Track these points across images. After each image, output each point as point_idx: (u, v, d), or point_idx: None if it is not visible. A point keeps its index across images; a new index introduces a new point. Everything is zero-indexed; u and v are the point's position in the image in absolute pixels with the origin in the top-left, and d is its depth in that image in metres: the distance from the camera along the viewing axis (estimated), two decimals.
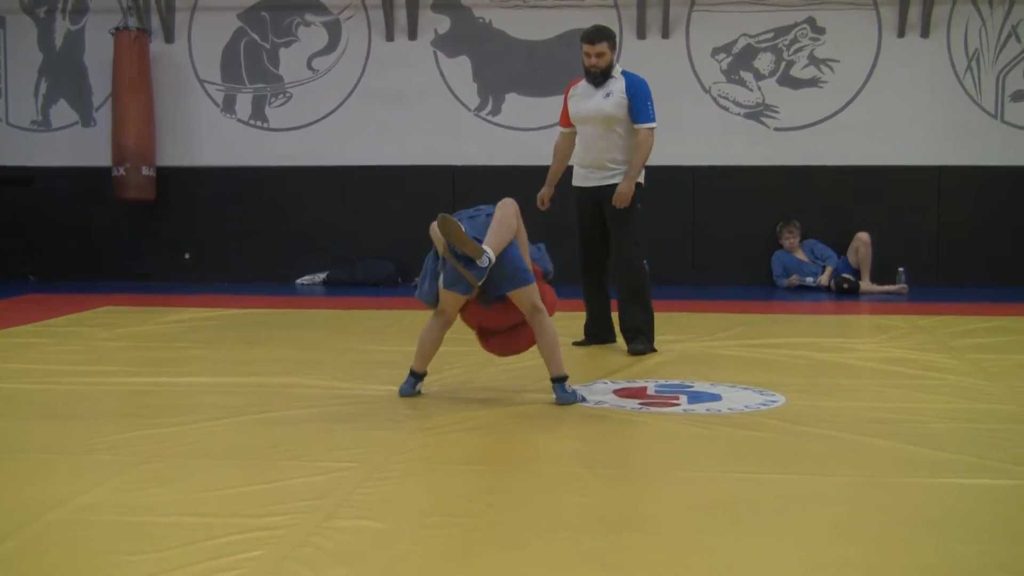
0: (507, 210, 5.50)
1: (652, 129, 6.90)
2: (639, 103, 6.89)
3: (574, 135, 7.20)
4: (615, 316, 7.22)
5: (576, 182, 7.22)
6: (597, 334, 7.33)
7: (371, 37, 12.11)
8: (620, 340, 7.22)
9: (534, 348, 5.67)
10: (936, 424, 5.01)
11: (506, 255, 5.43)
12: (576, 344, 7.23)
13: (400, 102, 11.99)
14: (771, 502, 3.80)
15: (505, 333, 5.71)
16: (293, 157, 12.15)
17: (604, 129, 6.95)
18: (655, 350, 7.00)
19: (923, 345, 7.35)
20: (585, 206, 7.15)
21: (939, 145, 11.58)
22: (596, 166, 7.03)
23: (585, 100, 7.02)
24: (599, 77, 6.93)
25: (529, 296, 5.48)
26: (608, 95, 6.92)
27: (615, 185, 6.93)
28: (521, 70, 11.96)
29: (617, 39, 7.01)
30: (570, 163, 7.36)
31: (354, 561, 3.19)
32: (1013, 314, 9.02)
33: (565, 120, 7.24)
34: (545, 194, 7.33)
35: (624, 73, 7.01)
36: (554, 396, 5.48)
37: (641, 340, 6.97)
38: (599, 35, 6.93)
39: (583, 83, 7.06)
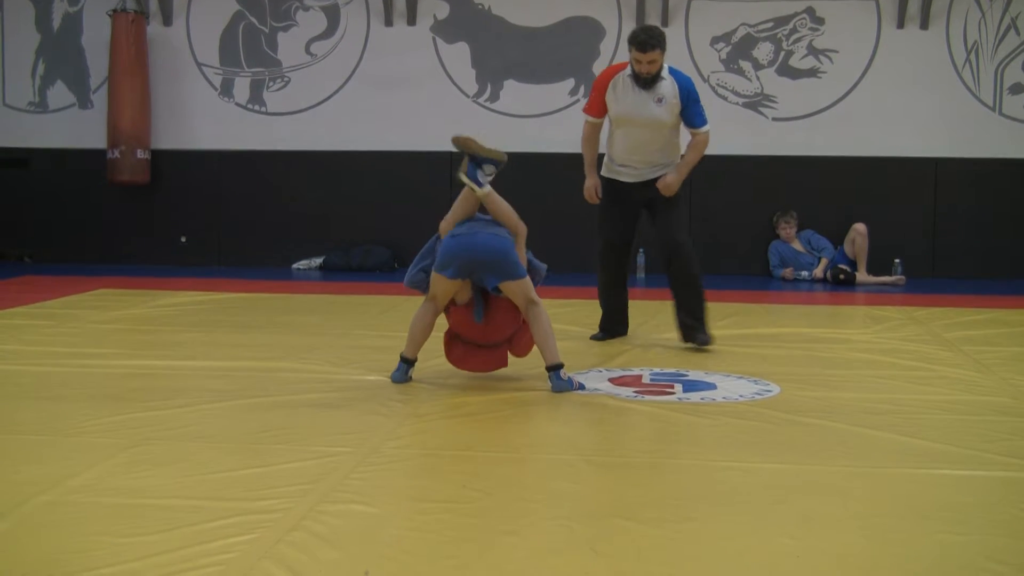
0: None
1: (709, 130, 6.78)
2: (693, 107, 6.69)
3: (602, 124, 6.97)
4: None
5: (612, 176, 6.96)
6: (615, 328, 7.22)
7: (370, 22, 12.09)
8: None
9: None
10: (930, 415, 5.01)
11: (495, 251, 5.45)
12: (594, 338, 7.14)
13: (398, 88, 11.97)
14: (764, 491, 3.80)
15: (477, 348, 5.67)
16: (290, 141, 12.14)
17: (654, 133, 6.74)
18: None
19: (917, 336, 7.36)
20: (625, 200, 6.93)
21: (937, 137, 11.59)
22: (644, 164, 6.82)
23: (633, 103, 6.70)
24: (650, 81, 6.63)
25: (523, 289, 5.49)
26: (660, 100, 6.65)
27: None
28: (520, 57, 11.94)
29: (666, 39, 6.67)
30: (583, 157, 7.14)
31: (346, 545, 3.19)
32: (1008, 306, 9.03)
33: (598, 110, 6.88)
34: (596, 183, 7.02)
35: (671, 72, 6.72)
36: (550, 384, 5.47)
37: (703, 331, 6.79)
38: (651, 43, 6.52)
39: (624, 78, 6.72)
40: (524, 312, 5.52)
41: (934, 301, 9.32)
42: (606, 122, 6.95)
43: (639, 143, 6.77)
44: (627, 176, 6.89)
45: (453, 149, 5.80)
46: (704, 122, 6.75)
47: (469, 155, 5.58)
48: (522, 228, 5.64)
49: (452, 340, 5.69)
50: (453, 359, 5.68)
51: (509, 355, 5.73)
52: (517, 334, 5.65)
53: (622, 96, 6.73)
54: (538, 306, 5.50)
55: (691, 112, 6.70)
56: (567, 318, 7.82)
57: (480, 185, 5.55)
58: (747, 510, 3.58)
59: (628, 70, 6.70)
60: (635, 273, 11.52)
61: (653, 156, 6.80)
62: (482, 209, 5.66)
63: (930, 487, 3.90)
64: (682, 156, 6.86)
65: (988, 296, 9.80)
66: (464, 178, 5.56)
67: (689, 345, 6.81)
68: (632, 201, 6.93)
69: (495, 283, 5.44)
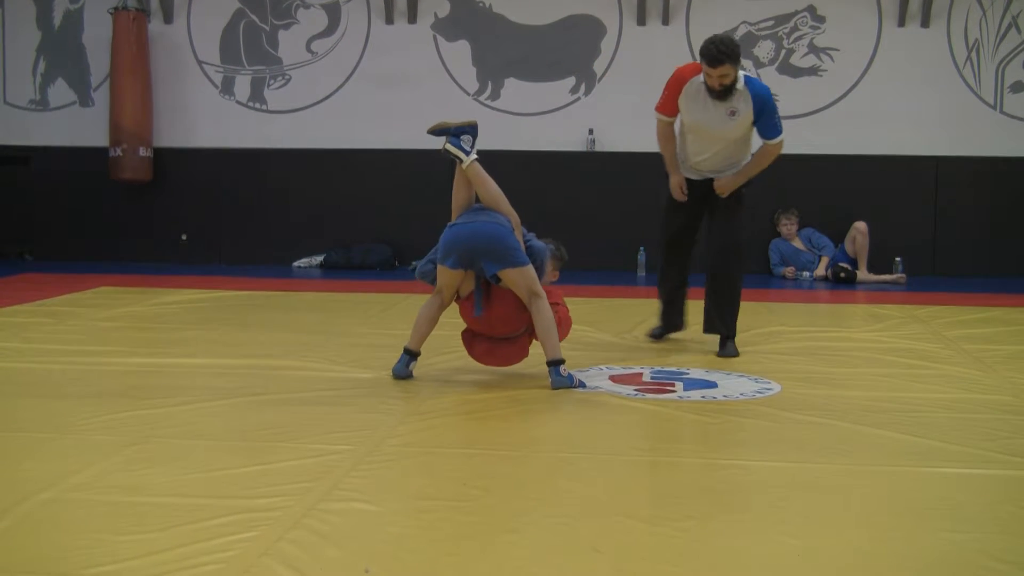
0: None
1: (782, 140, 6.51)
2: (768, 119, 6.42)
3: (675, 122, 6.71)
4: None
5: (683, 173, 6.75)
6: (674, 321, 7.05)
7: (371, 20, 12.08)
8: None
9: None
10: (930, 413, 5.01)
11: (493, 237, 5.46)
12: (653, 333, 7.02)
13: (399, 86, 11.97)
14: (765, 490, 3.80)
15: (498, 343, 5.67)
16: (291, 139, 12.14)
17: (726, 143, 6.53)
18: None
19: (918, 335, 7.35)
20: (690, 195, 6.69)
21: (938, 135, 11.58)
22: (712, 169, 6.63)
23: (705, 113, 6.44)
24: (723, 93, 6.34)
25: (524, 278, 5.46)
26: (734, 113, 6.38)
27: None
28: (521, 55, 11.93)
29: (739, 52, 6.33)
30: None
31: (347, 543, 3.19)
32: (1009, 305, 9.02)
33: (671, 110, 6.60)
34: (680, 180, 6.71)
35: (748, 82, 6.40)
36: (550, 380, 5.47)
37: (731, 338, 6.63)
38: (721, 58, 6.21)
39: (698, 85, 6.42)
40: (527, 304, 5.51)
41: (935, 299, 9.31)
42: (678, 119, 6.72)
43: (709, 150, 6.56)
44: (692, 173, 6.70)
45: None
46: (777, 133, 6.47)
47: (445, 132, 5.78)
48: (514, 216, 5.64)
49: (472, 338, 5.70)
50: (476, 355, 5.71)
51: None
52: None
53: (694, 104, 6.48)
54: (541, 299, 5.48)
55: (764, 123, 6.43)
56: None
57: (467, 153, 5.68)
58: (748, 508, 3.58)
59: (702, 76, 6.39)
60: (635, 271, 11.53)
61: (722, 163, 6.60)
62: (479, 200, 5.71)
63: (931, 485, 3.90)
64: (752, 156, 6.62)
65: (989, 294, 9.79)
66: (449, 147, 5.71)
67: (713, 344, 6.76)
68: (696, 197, 6.70)
69: (495, 270, 5.42)
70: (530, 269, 5.48)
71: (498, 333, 5.63)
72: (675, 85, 6.52)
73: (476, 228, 5.50)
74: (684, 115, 6.56)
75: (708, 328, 6.77)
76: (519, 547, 3.20)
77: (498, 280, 5.48)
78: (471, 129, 5.80)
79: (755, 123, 6.46)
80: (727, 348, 6.60)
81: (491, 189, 5.66)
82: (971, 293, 9.83)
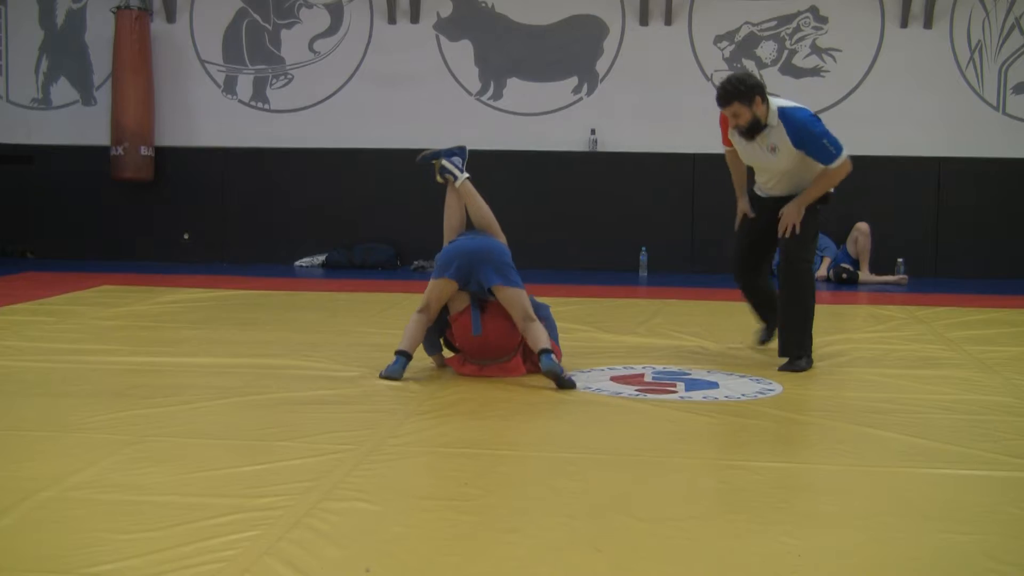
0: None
1: (844, 161, 5.93)
2: (814, 146, 5.89)
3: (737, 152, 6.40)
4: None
5: (754, 189, 6.46)
6: (768, 316, 6.63)
7: (373, 20, 12.09)
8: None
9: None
10: (932, 415, 5.01)
11: (494, 249, 5.63)
12: (762, 339, 6.70)
13: (401, 85, 11.97)
14: (766, 490, 3.79)
15: (487, 365, 5.72)
16: (293, 139, 12.14)
17: (782, 174, 6.14)
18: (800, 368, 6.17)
19: (920, 336, 7.35)
20: (759, 210, 6.38)
21: (940, 136, 11.58)
22: (782, 191, 6.22)
23: (747, 150, 6.16)
24: (749, 132, 5.98)
25: (520, 301, 5.58)
26: (774, 150, 6.00)
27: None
28: (523, 55, 11.94)
29: (756, 84, 5.92)
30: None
31: (348, 543, 3.18)
32: (1011, 306, 9.02)
33: (728, 141, 6.32)
34: (745, 207, 6.43)
35: (782, 115, 5.93)
36: (539, 365, 5.46)
37: (795, 354, 6.14)
38: (727, 97, 5.91)
39: None
40: (521, 327, 5.58)
41: (937, 300, 9.31)
42: None
43: (771, 179, 6.24)
44: (763, 191, 6.38)
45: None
46: (833, 157, 5.91)
47: (436, 156, 6.01)
48: (503, 238, 5.84)
49: (462, 365, 5.77)
50: (467, 373, 5.75)
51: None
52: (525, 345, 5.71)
53: (738, 141, 6.19)
54: (536, 323, 5.56)
55: (813, 151, 5.93)
56: (570, 316, 7.81)
57: (461, 171, 5.93)
58: (749, 508, 3.58)
59: None
60: (637, 271, 11.53)
61: (788, 187, 6.19)
62: (469, 225, 5.93)
63: (932, 486, 3.90)
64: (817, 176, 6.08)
65: (991, 296, 9.79)
66: (446, 164, 5.95)
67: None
68: (766, 210, 6.33)
69: (495, 281, 5.49)
70: (524, 292, 5.61)
71: (491, 355, 5.69)
72: (723, 120, 6.22)
73: (479, 241, 5.70)
74: (739, 151, 6.28)
75: (779, 351, 6.30)
76: (520, 547, 3.19)
77: (493, 296, 5.58)
78: (461, 151, 6.06)
79: (807, 153, 5.97)
80: (793, 365, 6.10)
81: (483, 207, 5.88)
82: (973, 294, 9.83)
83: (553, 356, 5.45)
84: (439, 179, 6.02)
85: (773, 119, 5.93)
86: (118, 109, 11.80)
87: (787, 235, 6.07)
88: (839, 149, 5.92)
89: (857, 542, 3.28)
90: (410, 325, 5.71)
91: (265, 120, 12.24)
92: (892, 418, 4.91)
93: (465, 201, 5.89)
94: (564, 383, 5.40)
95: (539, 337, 5.50)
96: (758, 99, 5.90)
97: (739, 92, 5.87)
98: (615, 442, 4.53)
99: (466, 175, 5.92)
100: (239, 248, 12.22)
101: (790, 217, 6.04)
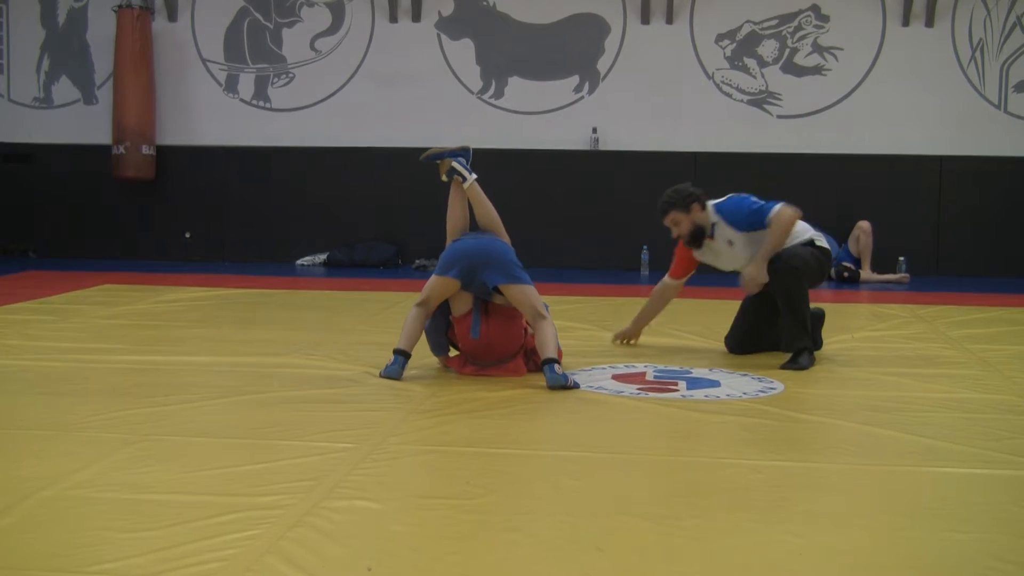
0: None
1: (778, 209, 6.13)
2: (751, 220, 6.17)
3: (680, 287, 6.73)
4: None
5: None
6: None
7: (374, 18, 12.09)
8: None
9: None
10: (934, 413, 5.00)
11: (498, 249, 5.61)
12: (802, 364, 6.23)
13: (403, 84, 11.98)
14: (768, 489, 3.79)
15: (487, 367, 5.71)
16: (295, 138, 12.15)
17: (746, 259, 6.26)
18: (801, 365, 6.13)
19: (922, 335, 7.35)
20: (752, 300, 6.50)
21: (941, 135, 11.58)
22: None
23: (711, 253, 6.41)
24: (694, 239, 6.32)
25: (528, 298, 5.57)
26: (731, 243, 6.27)
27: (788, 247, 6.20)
28: (524, 53, 11.94)
29: (692, 193, 6.25)
30: None
31: (350, 541, 3.18)
32: (1013, 304, 9.02)
33: (678, 271, 6.65)
34: (628, 334, 6.78)
35: (718, 211, 6.27)
36: (544, 379, 5.45)
37: (800, 358, 6.13)
38: (663, 208, 6.29)
39: None
40: (531, 323, 5.58)
41: (939, 299, 9.31)
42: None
43: (744, 267, 6.28)
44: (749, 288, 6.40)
45: (457, 146, 6.00)
46: (765, 214, 6.15)
47: (441, 156, 5.97)
48: (508, 239, 5.83)
49: (462, 367, 5.76)
50: (468, 373, 5.74)
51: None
52: (526, 349, 5.71)
53: (700, 253, 6.46)
54: (546, 320, 5.55)
55: (755, 222, 6.17)
56: (573, 315, 7.81)
57: (470, 172, 5.89)
58: (751, 507, 3.57)
59: None
60: (639, 270, 11.53)
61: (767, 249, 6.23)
62: (472, 225, 5.90)
63: (934, 485, 3.89)
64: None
65: (993, 294, 9.78)
66: (456, 165, 5.91)
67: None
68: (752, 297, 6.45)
69: (498, 282, 5.49)
70: (533, 288, 5.59)
71: (493, 356, 5.69)
72: (678, 251, 6.58)
73: (482, 242, 5.68)
74: (709, 263, 6.52)
75: (783, 347, 6.36)
76: (521, 546, 3.19)
77: (499, 293, 5.56)
78: (465, 152, 6.03)
79: (751, 229, 6.21)
80: (795, 362, 6.09)
81: (489, 209, 5.87)
82: (975, 293, 9.82)
83: (556, 368, 5.40)
84: (444, 178, 5.98)
85: (714, 217, 6.27)
86: (119, 108, 11.81)
87: (748, 292, 6.26)
88: (771, 206, 6.17)
89: (859, 541, 3.27)
90: (409, 319, 5.69)
91: (267, 119, 12.25)
92: (894, 416, 4.90)
93: (472, 202, 5.88)
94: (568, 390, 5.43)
95: (546, 343, 5.47)
96: (695, 207, 6.25)
97: (675, 202, 6.26)
98: (617, 441, 4.53)
99: (474, 176, 5.89)
100: (240, 247, 12.23)
101: (752, 277, 6.16)
